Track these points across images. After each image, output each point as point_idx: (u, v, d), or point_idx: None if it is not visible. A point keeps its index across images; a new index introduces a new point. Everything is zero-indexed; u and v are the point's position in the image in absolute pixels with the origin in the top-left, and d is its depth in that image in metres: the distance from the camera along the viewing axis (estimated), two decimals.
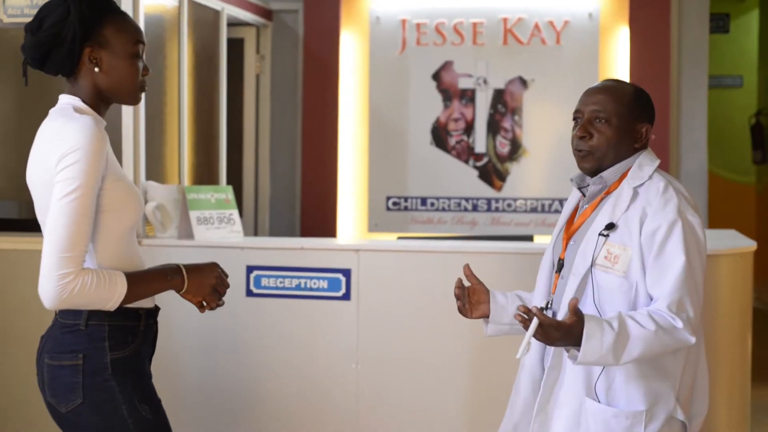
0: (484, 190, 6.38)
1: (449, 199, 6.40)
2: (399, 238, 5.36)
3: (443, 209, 6.39)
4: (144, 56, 2.68)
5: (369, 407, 4.04)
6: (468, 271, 2.94)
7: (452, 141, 6.41)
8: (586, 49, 6.23)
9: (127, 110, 4.29)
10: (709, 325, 3.94)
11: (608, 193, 2.72)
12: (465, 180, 6.41)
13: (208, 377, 4.16)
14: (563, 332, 2.46)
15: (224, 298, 2.73)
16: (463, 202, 6.39)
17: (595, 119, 2.71)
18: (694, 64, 6.37)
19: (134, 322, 2.61)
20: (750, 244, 4.21)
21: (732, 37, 10.64)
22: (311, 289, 4.08)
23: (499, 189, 6.37)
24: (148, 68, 2.69)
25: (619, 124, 2.70)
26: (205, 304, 2.69)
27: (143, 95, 2.73)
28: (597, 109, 2.71)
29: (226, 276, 2.73)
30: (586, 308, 2.63)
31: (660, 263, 2.56)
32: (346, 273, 4.05)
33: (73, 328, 2.56)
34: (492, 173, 6.37)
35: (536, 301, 2.84)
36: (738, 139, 10.65)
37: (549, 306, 2.77)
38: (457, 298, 2.97)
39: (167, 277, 2.62)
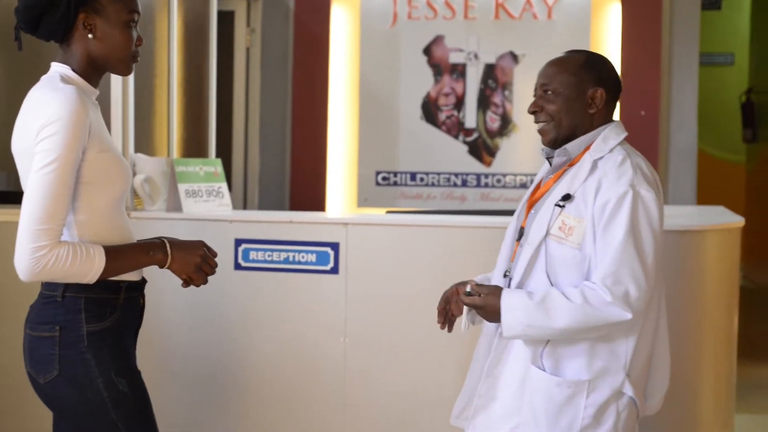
0: (473, 166, 6.38)
1: (439, 174, 6.40)
2: (388, 212, 5.36)
3: (433, 184, 6.39)
4: (138, 26, 2.65)
5: (356, 380, 4.05)
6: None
7: (442, 116, 6.40)
8: (577, 25, 6.21)
9: (116, 82, 4.27)
10: (696, 301, 3.96)
11: (572, 164, 2.73)
12: (455, 155, 6.41)
13: (196, 350, 4.16)
14: (484, 311, 2.63)
15: (210, 277, 2.69)
16: (453, 178, 6.39)
17: (545, 93, 2.75)
18: (686, 41, 6.36)
19: (113, 295, 2.58)
20: (737, 220, 4.22)
21: (724, 14, 10.63)
22: (299, 263, 4.08)
23: (488, 164, 6.37)
24: (141, 38, 2.66)
25: (567, 93, 2.72)
26: (186, 279, 2.66)
27: (134, 66, 2.70)
28: (544, 82, 2.75)
29: (214, 255, 2.69)
30: (538, 278, 2.65)
31: (604, 236, 2.56)
32: (335, 247, 4.04)
33: (51, 300, 2.55)
34: (482, 148, 6.37)
35: (498, 268, 2.85)
36: (729, 117, 10.66)
37: (507, 273, 2.79)
38: (440, 314, 2.97)
39: (149, 252, 2.59)
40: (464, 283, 2.89)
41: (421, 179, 6.40)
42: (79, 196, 2.51)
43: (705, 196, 7.64)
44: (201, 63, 5.57)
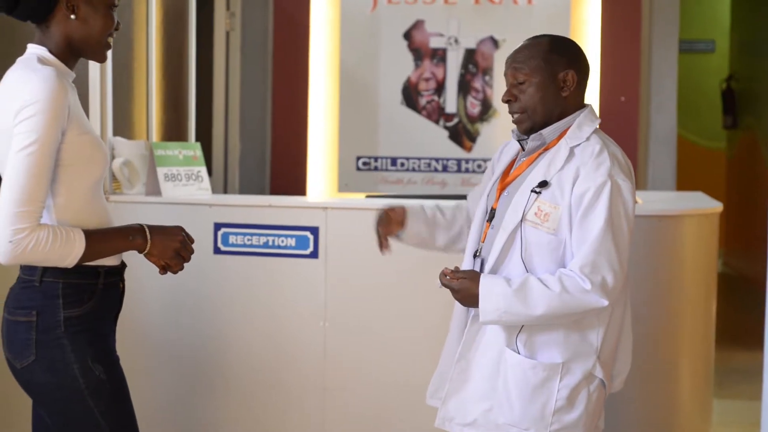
0: (454, 151, 6.38)
1: (419, 159, 6.40)
2: (368, 196, 5.35)
3: (413, 170, 6.39)
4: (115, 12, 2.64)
5: (336, 365, 4.05)
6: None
7: (423, 101, 6.40)
8: (557, 10, 6.21)
9: (94, 64, 4.24)
10: (674, 286, 3.97)
11: (546, 149, 2.75)
12: (435, 140, 6.41)
13: (174, 335, 4.15)
14: (459, 295, 2.67)
15: (189, 262, 2.69)
16: (433, 163, 6.39)
17: (516, 82, 2.76)
18: (665, 27, 6.37)
19: (91, 280, 2.57)
20: (716, 206, 4.24)
21: (704, 1, 10.65)
22: (279, 247, 4.07)
23: (469, 150, 6.37)
24: (119, 23, 2.64)
25: (539, 78, 2.73)
26: (164, 265, 2.65)
27: (109, 53, 2.68)
28: (515, 67, 2.76)
29: (192, 241, 2.69)
30: (514, 263, 2.68)
31: (583, 225, 2.60)
32: (314, 231, 4.04)
33: (29, 284, 2.54)
34: (462, 134, 6.37)
35: (469, 248, 2.87)
36: (709, 104, 10.69)
37: (478, 254, 2.81)
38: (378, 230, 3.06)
39: (128, 236, 2.57)
40: (392, 207, 3.09)
41: (402, 164, 6.40)
42: (58, 179, 2.49)
43: (685, 182, 7.67)
44: (180, 46, 5.54)
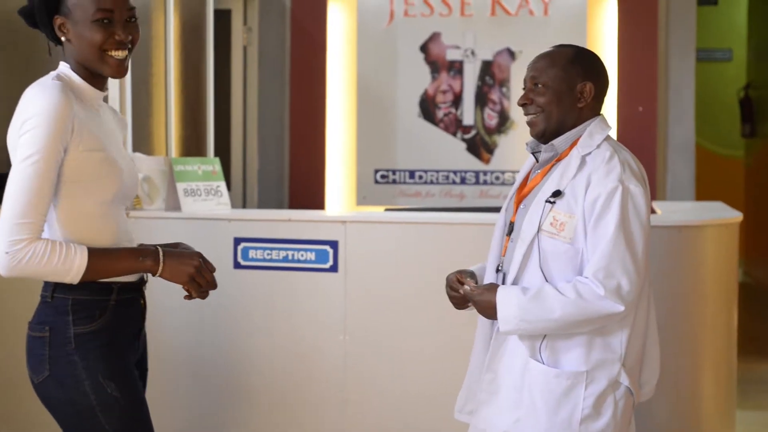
0: (472, 163, 6.38)
1: (437, 171, 6.40)
2: (386, 209, 5.36)
3: (431, 182, 6.39)
4: (124, 20, 2.56)
5: (356, 378, 4.05)
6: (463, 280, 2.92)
7: (440, 113, 6.40)
8: (574, 21, 6.21)
9: (113, 81, 4.27)
10: (695, 296, 3.95)
11: (559, 160, 2.76)
12: (453, 153, 6.41)
13: (195, 350, 4.16)
14: (480, 307, 2.70)
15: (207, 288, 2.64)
16: (451, 175, 6.39)
17: (534, 86, 2.77)
18: (682, 36, 6.36)
19: (103, 296, 2.54)
20: (736, 215, 4.22)
21: (721, 9, 10.62)
22: (299, 261, 4.07)
23: (487, 162, 6.37)
24: (123, 34, 2.55)
25: (556, 87, 2.74)
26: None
27: (122, 64, 2.62)
28: (534, 75, 2.77)
29: (212, 270, 2.64)
30: (532, 273, 2.69)
31: (595, 232, 2.61)
32: (334, 245, 4.04)
33: (44, 300, 2.54)
34: (480, 146, 6.37)
35: (490, 263, 2.88)
36: (727, 112, 10.66)
37: (500, 268, 2.82)
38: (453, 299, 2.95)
39: (138, 257, 2.53)
40: (462, 272, 2.90)
41: (420, 177, 6.40)
42: (61, 195, 2.47)
43: (704, 191, 7.64)
44: (198, 62, 5.57)
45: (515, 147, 6.30)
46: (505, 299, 2.64)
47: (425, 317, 4.01)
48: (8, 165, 2.47)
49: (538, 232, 2.67)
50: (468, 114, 6.37)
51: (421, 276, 4.00)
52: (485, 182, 6.36)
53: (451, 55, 6.36)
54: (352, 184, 6.47)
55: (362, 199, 6.44)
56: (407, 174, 6.42)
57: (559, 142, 2.76)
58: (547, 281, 2.66)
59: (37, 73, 2.63)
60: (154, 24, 4.98)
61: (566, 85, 2.74)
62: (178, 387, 4.14)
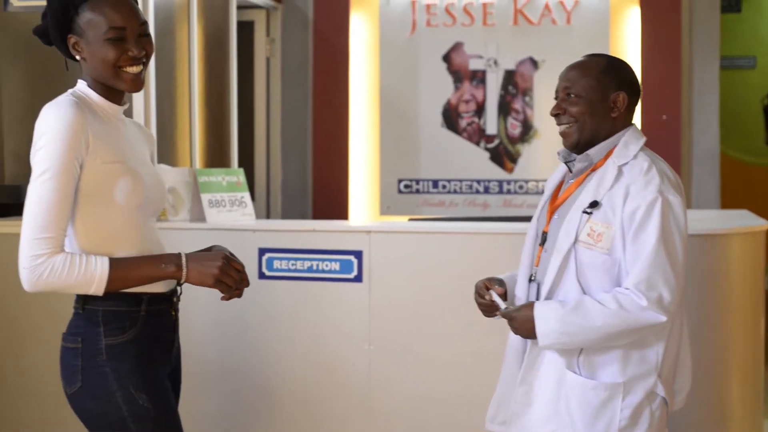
0: (495, 172, 6.37)
1: (461, 181, 6.39)
2: (410, 219, 5.36)
3: (455, 191, 6.39)
4: (136, 35, 2.56)
5: (381, 388, 4.05)
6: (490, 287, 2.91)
7: (463, 123, 6.40)
8: (596, 29, 6.20)
9: (137, 94, 4.29)
10: (721, 305, 3.93)
11: (594, 170, 2.75)
12: (476, 162, 6.40)
13: (221, 360, 4.17)
14: (517, 322, 2.69)
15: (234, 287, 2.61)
16: (475, 185, 6.38)
17: (567, 96, 2.76)
18: (706, 44, 6.34)
19: (133, 307, 2.55)
20: (762, 224, 4.20)
21: (744, 17, 10.57)
22: (323, 271, 4.08)
23: (510, 171, 6.36)
24: (137, 49, 2.56)
25: (590, 97, 2.73)
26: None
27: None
28: (567, 86, 2.77)
29: (240, 267, 2.60)
30: (569, 285, 2.68)
31: (636, 243, 2.60)
32: (358, 255, 4.04)
33: (76, 311, 2.56)
34: (503, 155, 6.36)
35: (522, 272, 2.87)
36: (751, 120, 10.60)
37: (533, 278, 2.81)
38: (482, 306, 2.94)
39: (161, 264, 2.53)
40: (491, 279, 2.90)
41: (443, 186, 6.40)
42: (81, 208, 2.49)
43: (729, 199, 7.60)
44: (221, 73, 5.60)
45: (538, 156, 6.29)
46: (544, 313, 2.64)
47: (449, 326, 4.00)
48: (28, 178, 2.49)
49: (575, 242, 2.67)
50: (491, 123, 6.37)
51: (445, 285, 3.99)
52: (509, 191, 6.35)
53: (474, 64, 6.36)
54: (375, 194, 6.48)
55: (386, 209, 6.44)
56: (430, 183, 6.42)
57: (594, 152, 2.76)
58: (584, 293, 2.66)
59: (58, 89, 2.66)
60: (178, 36, 5.00)
61: (599, 95, 2.74)
62: (204, 397, 4.15)
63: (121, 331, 2.54)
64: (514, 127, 6.35)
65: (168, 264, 2.54)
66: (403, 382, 4.03)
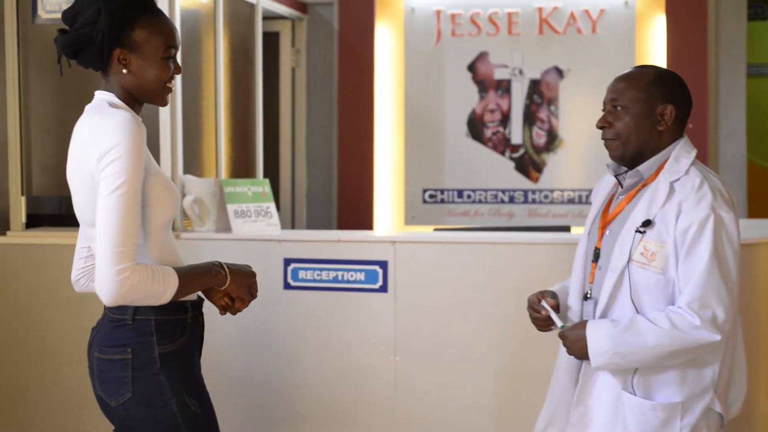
0: (520, 182, 6.36)
1: (486, 191, 6.38)
2: (435, 229, 5.36)
3: (480, 201, 6.38)
4: (177, 55, 2.69)
5: (407, 399, 4.05)
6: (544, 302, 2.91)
7: (488, 132, 6.39)
8: (622, 38, 6.19)
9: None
10: (749, 314, 3.91)
11: (644, 185, 2.73)
12: (501, 171, 6.39)
13: (246, 369, 4.18)
14: (570, 342, 2.70)
15: (259, 296, 2.77)
16: (500, 194, 6.37)
17: (614, 108, 2.75)
18: (732, 52, 6.31)
19: (181, 315, 2.62)
20: None
21: None
22: (348, 282, 4.09)
23: (535, 180, 6.35)
24: (180, 68, 2.69)
25: (637, 109, 2.72)
26: (226, 305, 2.70)
27: (173, 94, 2.73)
28: (614, 97, 2.75)
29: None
30: (623, 304, 2.67)
31: (689, 261, 2.59)
32: (383, 265, 4.05)
33: (122, 323, 2.58)
34: (528, 164, 6.35)
35: (574, 288, 2.86)
36: None
37: (589, 296, 2.79)
38: (536, 321, 2.94)
39: (211, 272, 2.63)
40: (544, 292, 2.91)
41: (468, 196, 6.39)
42: (144, 219, 2.55)
43: (755, 207, 7.55)
44: (247, 84, 5.62)
45: (564, 165, 6.27)
46: (596, 333, 2.63)
47: (475, 337, 4.00)
48: (66, 197, 2.51)
49: (628, 262, 2.65)
50: (516, 133, 6.36)
51: (470, 295, 3.99)
52: (534, 201, 6.33)
53: (499, 74, 6.36)
54: (400, 204, 6.48)
55: (411, 218, 6.44)
56: (455, 193, 6.41)
57: (644, 168, 2.74)
58: (637, 312, 2.64)
59: (86, 101, 2.67)
60: (204, 47, 5.03)
61: (646, 108, 2.72)
62: (230, 406, 4.16)
63: (173, 339, 2.60)
64: (540, 137, 6.33)
65: (217, 272, 2.65)
66: (429, 392, 4.03)
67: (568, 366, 2.85)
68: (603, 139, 2.78)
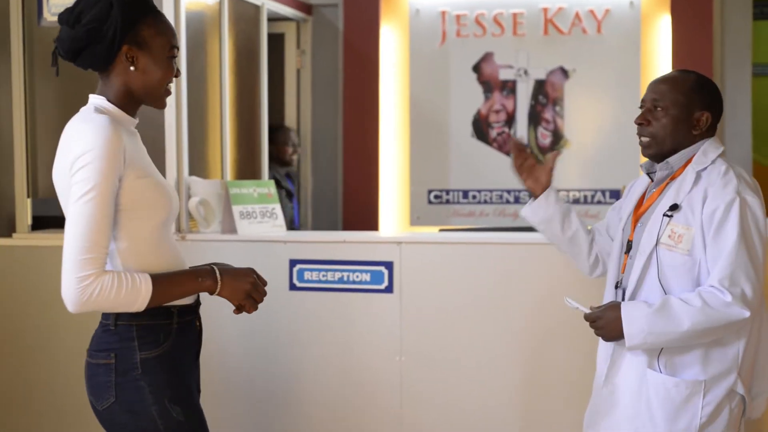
0: None
1: (491, 191, 6.38)
2: (441, 230, 5.36)
3: (485, 202, 6.38)
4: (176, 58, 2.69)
5: (413, 400, 4.05)
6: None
7: (493, 133, 6.39)
8: (627, 38, 6.18)
9: (169, 107, 4.31)
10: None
11: (673, 178, 2.84)
12: (506, 172, 6.34)
13: (251, 371, 4.18)
14: (603, 322, 2.76)
15: (265, 297, 2.70)
16: (505, 195, 6.37)
17: (654, 108, 2.85)
18: (738, 51, 6.30)
19: (165, 321, 2.59)
20: None
21: None
22: (354, 282, 4.09)
23: None
24: (179, 71, 2.69)
25: (676, 112, 2.83)
26: (240, 307, 2.66)
27: (179, 95, 2.72)
28: (656, 98, 2.85)
29: (264, 283, 2.69)
30: (651, 286, 2.76)
31: (717, 242, 2.68)
32: (389, 266, 4.05)
33: (107, 327, 2.58)
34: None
35: (609, 280, 2.97)
36: None
37: (619, 285, 2.90)
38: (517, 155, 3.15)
39: (198, 278, 2.58)
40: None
41: (474, 197, 6.39)
42: (119, 224, 2.51)
43: None
44: (252, 85, 5.62)
45: (569, 165, 6.26)
46: (631, 314, 2.71)
47: (480, 337, 4.00)
48: (51, 191, 2.50)
49: (656, 245, 2.75)
50: (521, 133, 6.35)
51: (476, 296, 3.99)
52: None
53: (504, 74, 6.35)
54: (405, 204, 6.47)
55: (416, 219, 6.44)
56: (461, 194, 6.41)
57: (674, 160, 2.85)
58: (665, 294, 2.72)
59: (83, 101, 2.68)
60: (209, 49, 5.03)
61: (685, 112, 2.83)
62: (234, 408, 4.16)
63: (156, 344, 2.57)
64: (545, 137, 6.33)
65: (204, 278, 2.58)
66: (435, 393, 4.03)
67: (604, 353, 2.94)
68: (638, 135, 2.89)
